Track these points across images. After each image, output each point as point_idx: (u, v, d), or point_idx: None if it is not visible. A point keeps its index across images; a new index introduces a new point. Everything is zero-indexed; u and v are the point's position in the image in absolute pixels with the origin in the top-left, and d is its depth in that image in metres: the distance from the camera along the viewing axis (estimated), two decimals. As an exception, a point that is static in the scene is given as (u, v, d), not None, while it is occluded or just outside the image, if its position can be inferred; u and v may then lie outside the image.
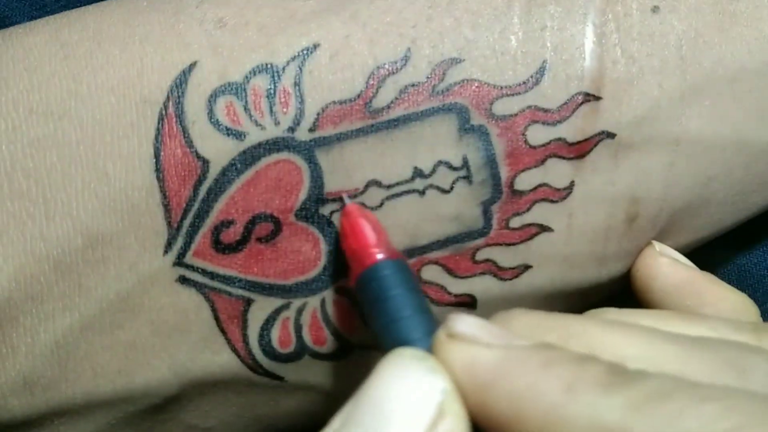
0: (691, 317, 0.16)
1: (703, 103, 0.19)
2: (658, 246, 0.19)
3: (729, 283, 0.24)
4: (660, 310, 0.18)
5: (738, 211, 0.20)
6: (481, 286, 0.19)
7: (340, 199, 0.18)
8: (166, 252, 0.18)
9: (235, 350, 0.19)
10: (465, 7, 0.18)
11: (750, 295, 0.23)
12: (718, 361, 0.13)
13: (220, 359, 0.19)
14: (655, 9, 0.19)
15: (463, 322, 0.14)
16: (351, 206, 0.17)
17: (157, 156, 0.18)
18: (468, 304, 0.19)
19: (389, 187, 0.18)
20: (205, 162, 0.18)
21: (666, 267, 0.18)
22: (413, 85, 0.18)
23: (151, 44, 0.18)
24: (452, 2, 0.18)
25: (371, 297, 0.16)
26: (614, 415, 0.12)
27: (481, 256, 0.19)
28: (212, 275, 0.18)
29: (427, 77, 0.18)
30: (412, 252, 0.19)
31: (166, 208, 0.18)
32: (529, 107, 0.18)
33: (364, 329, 0.19)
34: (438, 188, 0.18)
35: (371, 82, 0.18)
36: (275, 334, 0.19)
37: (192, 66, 0.18)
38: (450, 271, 0.19)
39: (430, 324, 0.15)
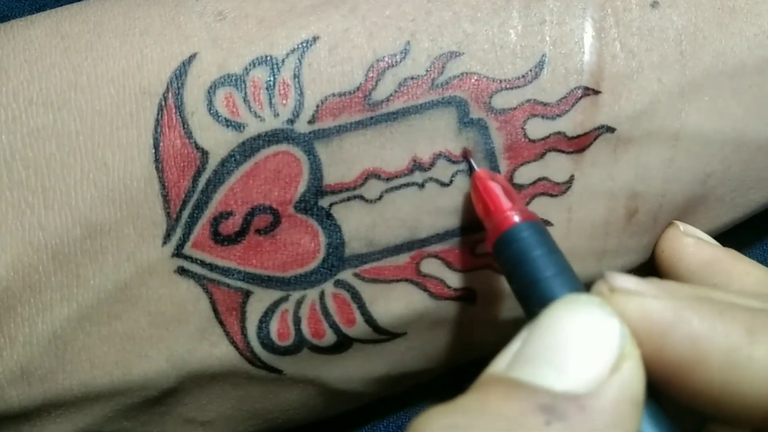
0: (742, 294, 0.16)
1: (703, 98, 0.18)
2: (681, 226, 0.19)
3: None
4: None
5: (736, 208, 0.20)
6: (481, 280, 0.19)
7: (467, 161, 0.17)
8: (164, 243, 0.18)
9: (233, 342, 0.18)
10: (464, 1, 0.18)
11: None
12: None
13: (218, 351, 0.18)
14: (654, 4, 0.18)
15: (625, 279, 0.14)
16: (481, 171, 0.17)
17: (156, 146, 0.18)
18: (468, 298, 0.19)
19: (388, 179, 0.18)
20: (204, 153, 0.18)
21: (691, 247, 0.18)
22: (412, 78, 0.18)
23: (151, 36, 0.18)
24: None
25: (512, 259, 0.16)
26: None
27: (481, 249, 0.19)
28: (211, 267, 0.18)
29: (427, 70, 0.18)
30: (411, 245, 0.19)
31: (165, 198, 0.18)
32: (528, 101, 0.18)
33: (362, 323, 0.19)
34: (437, 181, 0.18)
35: (370, 74, 0.18)
36: (274, 327, 0.19)
37: (192, 58, 0.18)
38: (450, 265, 0.19)
39: (577, 283, 0.15)
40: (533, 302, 0.15)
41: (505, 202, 0.17)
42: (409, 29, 0.18)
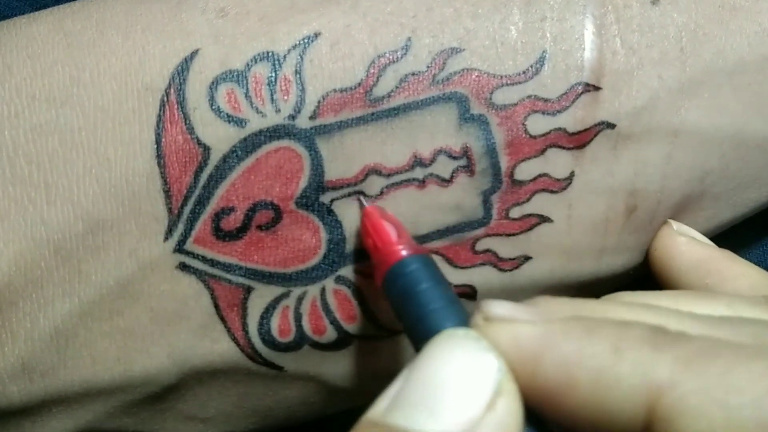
0: (707, 296, 0.15)
1: (703, 95, 0.18)
2: (675, 225, 0.19)
3: None
4: (675, 290, 0.18)
5: (734, 207, 0.20)
6: (480, 276, 0.19)
7: (358, 201, 0.17)
8: (166, 238, 0.18)
9: (234, 338, 0.18)
10: None
11: None
12: (740, 337, 0.13)
13: (219, 347, 0.18)
14: (654, 1, 0.18)
15: (499, 306, 0.14)
16: (370, 207, 0.17)
17: (158, 142, 0.17)
18: (468, 295, 0.19)
19: (389, 175, 0.18)
20: (206, 149, 0.18)
21: (684, 246, 0.18)
22: (413, 74, 0.18)
23: (153, 33, 0.18)
24: None
25: (400, 293, 0.16)
26: (664, 371, 0.12)
27: (481, 246, 0.19)
28: (212, 262, 0.18)
29: (428, 66, 0.18)
30: (412, 241, 0.18)
31: (167, 194, 0.18)
32: (529, 97, 0.18)
33: (363, 319, 0.19)
34: (438, 177, 0.18)
35: (372, 70, 0.18)
36: (275, 323, 0.18)
37: (194, 54, 0.18)
38: (450, 261, 0.19)
39: (462, 314, 0.15)
40: (419, 338, 0.14)
41: (393, 237, 0.16)
42: (411, 25, 0.18)
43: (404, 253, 0.16)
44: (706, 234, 0.20)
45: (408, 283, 0.16)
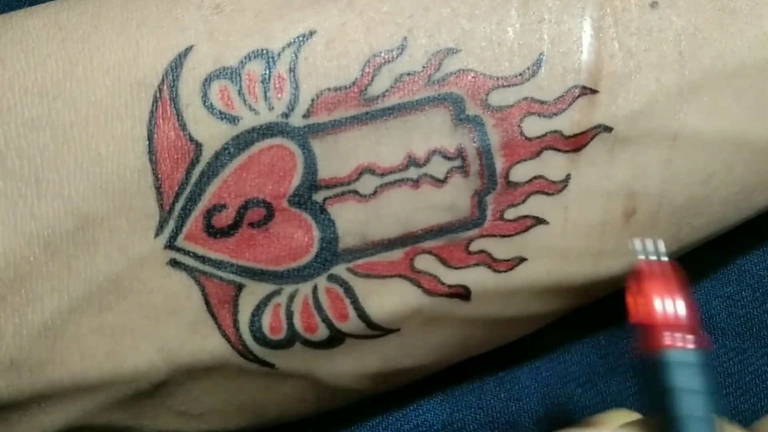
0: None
1: (702, 98, 0.18)
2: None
3: (728, 283, 0.23)
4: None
5: (740, 210, 0.19)
6: (475, 277, 0.18)
7: (633, 245, 0.16)
8: (157, 235, 0.17)
9: (225, 335, 0.18)
10: None
11: (749, 296, 0.22)
12: None
13: (210, 344, 0.18)
14: (653, 4, 0.18)
15: None
16: (650, 265, 0.15)
17: (150, 138, 0.17)
18: (462, 295, 0.18)
19: (383, 175, 0.18)
20: (198, 145, 0.17)
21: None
22: (409, 74, 0.17)
23: (147, 28, 0.17)
24: None
25: (669, 377, 0.15)
26: None
27: (475, 246, 0.18)
28: (203, 259, 0.18)
29: (423, 66, 0.17)
30: (405, 241, 0.18)
31: (158, 190, 0.17)
32: (525, 99, 0.17)
33: (356, 318, 0.18)
34: (432, 177, 0.18)
35: (367, 69, 0.17)
36: (266, 321, 0.18)
37: (188, 50, 0.17)
38: (444, 261, 0.18)
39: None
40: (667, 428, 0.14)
41: (684, 316, 0.15)
42: (407, 25, 0.17)
43: (691, 344, 0.15)
44: (712, 236, 0.19)
45: (683, 375, 0.15)
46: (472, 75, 0.17)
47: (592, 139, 0.18)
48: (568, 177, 0.18)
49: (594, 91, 0.17)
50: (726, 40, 0.17)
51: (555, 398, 0.22)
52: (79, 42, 0.17)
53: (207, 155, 0.17)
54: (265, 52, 0.17)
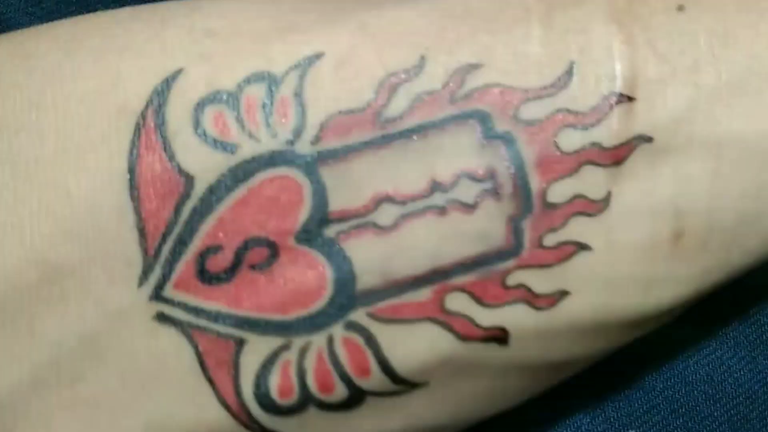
0: None
1: (743, 100, 0.16)
2: None
3: (732, 284, 0.21)
4: None
5: None
6: (513, 316, 0.16)
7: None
8: (140, 284, 0.15)
9: (224, 404, 0.15)
10: (481, 15, 0.16)
11: (754, 297, 0.21)
12: None
13: (207, 416, 0.15)
14: (680, 8, 0.17)
15: None
16: None
17: (131, 171, 0.15)
18: (499, 338, 0.16)
19: (404, 203, 0.15)
20: (189, 178, 0.15)
21: None
22: (429, 93, 0.15)
23: (130, 52, 0.15)
24: (467, 11, 0.16)
25: None
26: None
27: (512, 280, 0.16)
28: (196, 311, 0.15)
29: (444, 84, 0.15)
30: (433, 277, 0.16)
31: (142, 232, 0.15)
32: (559, 110, 0.16)
33: (378, 372, 0.16)
34: (460, 203, 0.16)
35: (381, 91, 0.15)
36: (274, 382, 0.15)
37: (177, 73, 0.15)
38: (478, 300, 0.16)
39: None
40: None
41: None
42: (423, 44, 0.16)
43: None
44: (761, 261, 0.17)
45: None
46: (499, 89, 0.15)
47: (633, 150, 0.16)
48: (609, 195, 0.16)
49: (631, 99, 0.16)
50: (758, 39, 0.16)
51: (564, 429, 0.21)
52: (48, 71, 0.15)
53: (199, 189, 0.15)
54: (266, 74, 0.15)
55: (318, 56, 0.15)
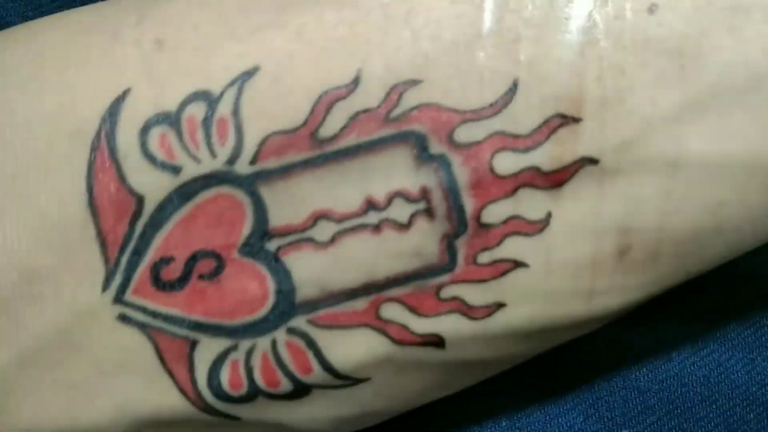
0: None
1: (707, 119, 0.15)
2: None
3: (730, 284, 0.21)
4: None
5: (757, 236, 0.16)
6: (448, 325, 0.17)
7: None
8: (104, 289, 0.16)
9: (183, 392, 0.17)
10: (425, 16, 0.15)
11: (759, 305, 0.21)
12: None
13: (168, 401, 0.17)
14: (652, 8, 0.15)
15: None
16: None
17: (89, 191, 0.16)
18: (435, 344, 0.17)
19: (340, 221, 0.16)
20: (140, 198, 0.16)
21: None
22: (365, 111, 0.15)
23: (87, 69, 0.16)
24: (411, 11, 0.15)
25: None
26: None
27: (446, 293, 0.16)
28: (153, 314, 0.17)
29: (380, 102, 0.15)
30: (368, 289, 0.16)
31: (102, 243, 0.16)
32: (497, 133, 0.15)
33: (320, 371, 0.17)
34: (395, 222, 0.16)
35: (318, 108, 0.15)
36: (225, 377, 0.17)
37: (125, 93, 0.16)
38: (413, 310, 0.16)
39: None
40: None
41: None
42: (361, 53, 0.15)
43: None
44: (726, 260, 0.17)
45: None
46: (436, 109, 0.15)
47: (574, 174, 0.15)
48: (549, 215, 0.16)
49: (576, 120, 0.15)
50: (738, 46, 0.15)
51: (557, 427, 0.21)
52: (20, 87, 0.16)
53: (149, 208, 0.16)
54: (205, 93, 0.15)
55: (254, 70, 0.16)
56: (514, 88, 0.15)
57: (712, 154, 0.15)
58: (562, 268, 0.16)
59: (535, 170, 0.15)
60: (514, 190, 0.16)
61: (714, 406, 0.21)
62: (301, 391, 0.17)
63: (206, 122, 0.16)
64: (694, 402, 0.21)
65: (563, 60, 0.15)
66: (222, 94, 0.15)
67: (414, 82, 0.15)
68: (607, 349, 0.21)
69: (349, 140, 0.15)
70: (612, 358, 0.22)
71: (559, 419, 0.21)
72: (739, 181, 0.16)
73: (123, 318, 0.16)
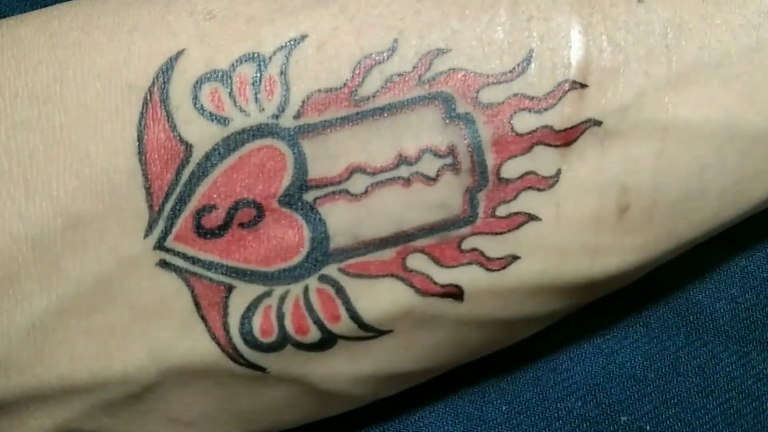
0: None
1: (691, 89, 0.18)
2: None
3: (731, 285, 0.22)
4: None
5: (737, 204, 0.19)
6: (467, 276, 0.18)
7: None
8: (146, 235, 0.17)
9: (215, 338, 0.18)
10: (452, 0, 0.18)
11: (753, 299, 0.22)
12: None
13: (200, 347, 0.18)
14: None
15: None
16: None
17: (140, 139, 0.17)
18: (455, 295, 0.18)
19: (374, 174, 0.17)
20: (189, 146, 0.17)
21: None
22: (399, 75, 0.17)
23: (139, 33, 0.17)
24: None
25: None
26: None
27: (467, 245, 0.18)
28: (193, 260, 0.17)
29: (414, 67, 0.17)
30: (396, 240, 0.18)
31: (148, 191, 0.17)
32: (516, 95, 0.17)
33: (347, 319, 0.18)
34: (423, 176, 0.18)
35: (357, 71, 0.17)
36: (257, 323, 0.18)
37: (179, 54, 0.17)
38: (436, 260, 0.18)
39: None
40: None
41: None
42: (398, 27, 0.17)
43: None
44: (710, 233, 0.19)
45: None
46: (462, 74, 0.17)
47: (582, 133, 0.17)
48: (559, 172, 0.18)
49: (584, 86, 0.17)
50: (711, 30, 0.17)
51: (555, 412, 0.22)
52: (69, 48, 0.17)
53: (197, 156, 0.17)
54: (256, 55, 0.17)
55: (302, 38, 0.17)
56: (529, 56, 0.17)
57: (695, 119, 0.18)
58: (569, 223, 0.18)
59: (549, 129, 0.17)
60: (531, 147, 0.18)
61: (710, 397, 0.22)
62: (327, 341, 0.18)
63: (256, 80, 0.17)
64: (691, 392, 0.22)
65: (570, 36, 0.17)
66: (272, 56, 0.17)
67: (443, 51, 0.17)
68: (603, 336, 0.22)
69: (384, 100, 0.17)
70: (606, 345, 0.22)
71: (558, 404, 0.22)
72: (719, 146, 0.18)
73: (163, 264, 0.17)
